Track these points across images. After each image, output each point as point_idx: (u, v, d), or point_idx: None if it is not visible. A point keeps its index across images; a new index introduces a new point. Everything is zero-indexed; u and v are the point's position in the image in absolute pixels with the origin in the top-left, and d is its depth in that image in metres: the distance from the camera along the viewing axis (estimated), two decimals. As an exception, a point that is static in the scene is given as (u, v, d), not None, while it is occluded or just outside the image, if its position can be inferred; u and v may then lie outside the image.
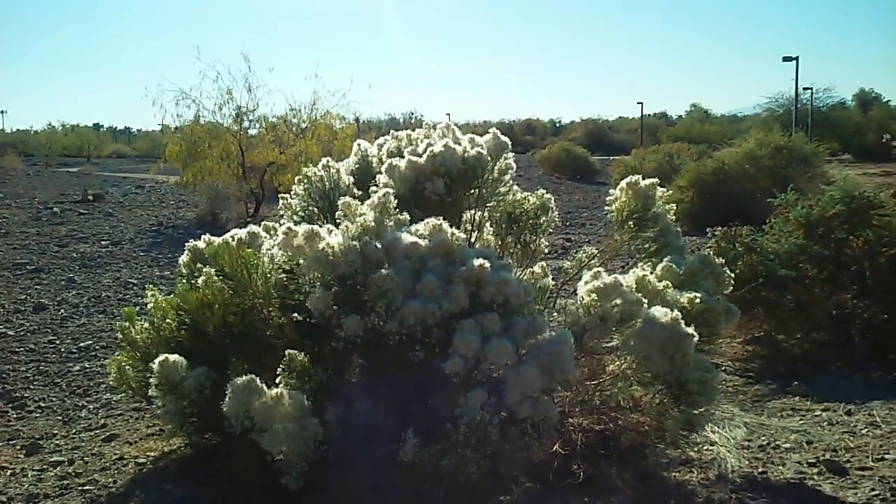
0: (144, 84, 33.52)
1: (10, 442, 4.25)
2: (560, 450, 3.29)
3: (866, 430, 4.06)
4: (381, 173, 3.84)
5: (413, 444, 2.89)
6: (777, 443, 3.91)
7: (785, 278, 5.52)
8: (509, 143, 4.04)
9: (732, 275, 4.12)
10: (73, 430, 4.40)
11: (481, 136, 4.05)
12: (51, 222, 13.49)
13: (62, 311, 7.29)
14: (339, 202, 3.33)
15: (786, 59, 34.28)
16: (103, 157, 47.84)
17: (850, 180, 7.39)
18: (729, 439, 3.87)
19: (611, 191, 4.20)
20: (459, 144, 3.83)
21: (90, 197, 17.44)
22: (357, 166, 4.33)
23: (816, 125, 33.25)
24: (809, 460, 3.66)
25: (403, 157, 3.82)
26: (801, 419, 4.31)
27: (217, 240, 4.00)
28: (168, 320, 3.76)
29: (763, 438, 3.97)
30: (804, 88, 37.58)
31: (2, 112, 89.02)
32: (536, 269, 4.30)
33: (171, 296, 3.93)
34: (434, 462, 2.89)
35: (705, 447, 3.77)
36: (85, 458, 3.94)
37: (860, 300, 5.46)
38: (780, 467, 3.62)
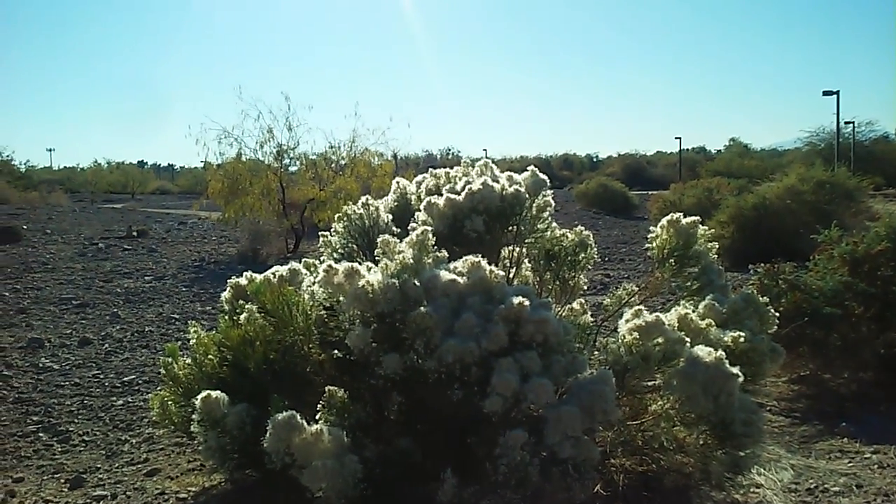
0: (188, 123, 34.47)
1: (55, 476, 4.30)
2: (602, 491, 3.24)
3: (919, 474, 3.92)
4: (420, 211, 3.87)
5: (452, 483, 2.87)
6: (825, 486, 3.79)
7: (831, 316, 5.40)
8: (547, 180, 4.05)
9: (776, 313, 4.05)
10: (116, 465, 4.45)
11: (518, 171, 4.07)
12: (96, 258, 13.78)
13: (106, 345, 7.41)
14: (379, 240, 3.36)
15: (826, 93, 33.98)
16: (147, 193, 48.97)
17: (896, 216, 7.24)
18: (775, 482, 3.77)
19: (651, 228, 4.17)
20: (497, 182, 3.85)
21: (134, 233, 17.81)
22: (396, 204, 4.38)
23: (859, 159, 32.71)
24: (860, 505, 3.55)
25: (442, 195, 3.85)
26: (850, 462, 4.18)
27: (259, 277, 4.06)
28: (210, 356, 3.80)
29: (811, 481, 3.86)
30: (846, 122, 37.15)
31: (50, 150, 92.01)
32: (575, 305, 4.28)
33: (213, 332, 3.98)
34: (473, 502, 2.87)
35: (751, 490, 3.68)
36: (127, 493, 3.97)
37: (909, 339, 5.32)
38: (830, 512, 3.51)
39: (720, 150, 61.47)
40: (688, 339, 3.31)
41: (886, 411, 5.01)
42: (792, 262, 6.26)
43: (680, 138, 49.13)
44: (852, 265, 5.81)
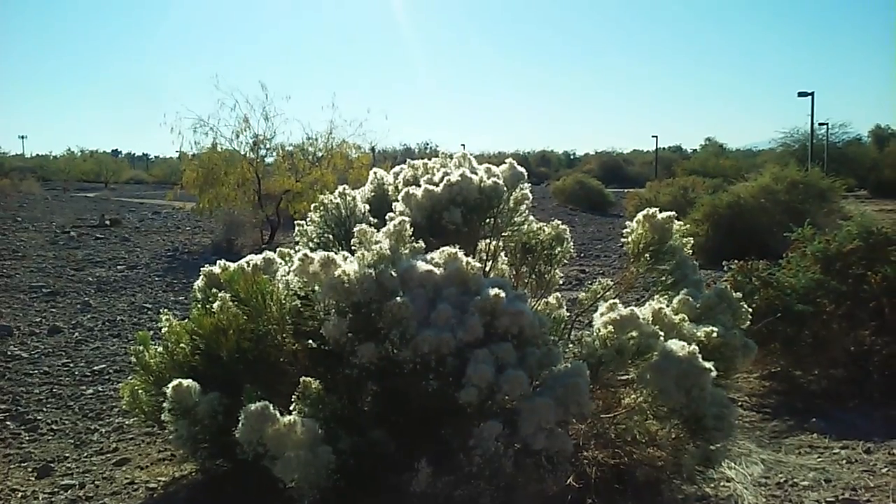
0: (163, 111, 34.03)
1: (22, 464, 4.24)
2: (574, 483, 3.24)
3: (886, 469, 3.98)
4: (397, 201, 3.85)
5: (426, 473, 2.87)
6: (795, 480, 3.84)
7: (802, 313, 5.46)
8: (525, 173, 4.05)
9: (749, 309, 4.08)
10: (85, 454, 4.39)
11: (497, 166, 4.06)
12: (68, 246, 13.59)
13: (77, 334, 7.31)
14: (355, 229, 3.34)
15: (801, 94, 34.32)
16: (121, 182, 48.39)
17: (868, 216, 7.35)
18: (746, 476, 3.81)
19: (627, 223, 4.19)
20: (476, 174, 3.84)
21: (107, 222, 17.60)
22: (373, 194, 4.35)
23: (832, 160, 33.07)
24: (828, 499, 3.60)
25: (420, 186, 3.83)
26: (819, 457, 4.24)
27: (233, 265, 4.02)
28: (182, 345, 3.76)
29: (780, 476, 3.90)
30: (820, 124, 37.48)
31: (22, 137, 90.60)
32: (551, 299, 4.28)
33: (186, 321, 3.93)
34: (447, 492, 2.87)
35: (722, 483, 3.71)
36: (96, 482, 3.92)
37: (879, 337, 5.39)
38: (798, 506, 3.55)
39: (696, 150, 61.78)
40: (661, 334, 3.33)
41: (855, 408, 5.08)
42: (765, 259, 6.31)
43: (657, 137, 49.54)
44: (824, 263, 5.88)
